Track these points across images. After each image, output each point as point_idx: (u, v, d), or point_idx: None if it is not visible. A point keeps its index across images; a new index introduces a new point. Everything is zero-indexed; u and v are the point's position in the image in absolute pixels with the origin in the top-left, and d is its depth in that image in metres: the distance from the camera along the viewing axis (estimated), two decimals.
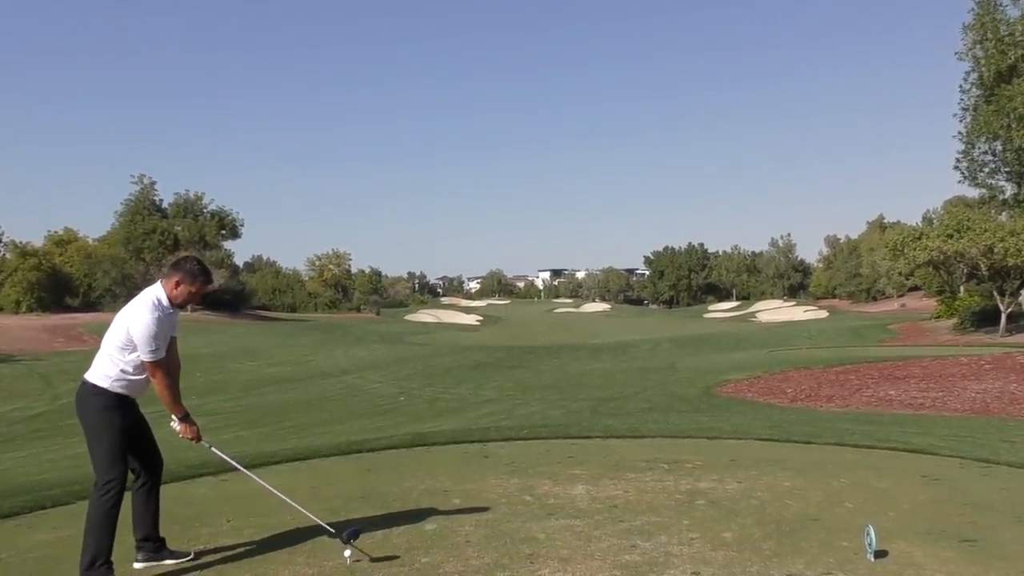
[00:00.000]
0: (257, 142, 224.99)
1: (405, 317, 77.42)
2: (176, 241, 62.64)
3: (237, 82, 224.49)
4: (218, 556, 4.03)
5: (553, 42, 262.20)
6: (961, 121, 34.32)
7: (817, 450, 7.34)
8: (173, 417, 3.91)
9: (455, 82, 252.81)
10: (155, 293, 3.85)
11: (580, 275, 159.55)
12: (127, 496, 3.84)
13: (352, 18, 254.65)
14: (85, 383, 3.84)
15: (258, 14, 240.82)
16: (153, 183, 65.17)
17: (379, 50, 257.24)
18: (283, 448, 8.56)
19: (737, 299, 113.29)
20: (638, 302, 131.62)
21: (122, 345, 3.77)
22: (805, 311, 78.28)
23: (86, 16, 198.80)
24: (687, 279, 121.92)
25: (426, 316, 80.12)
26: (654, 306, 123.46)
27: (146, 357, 3.73)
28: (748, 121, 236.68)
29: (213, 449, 4.12)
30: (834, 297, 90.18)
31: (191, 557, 3.98)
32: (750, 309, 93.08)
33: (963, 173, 34.49)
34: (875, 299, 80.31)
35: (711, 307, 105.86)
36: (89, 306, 60.61)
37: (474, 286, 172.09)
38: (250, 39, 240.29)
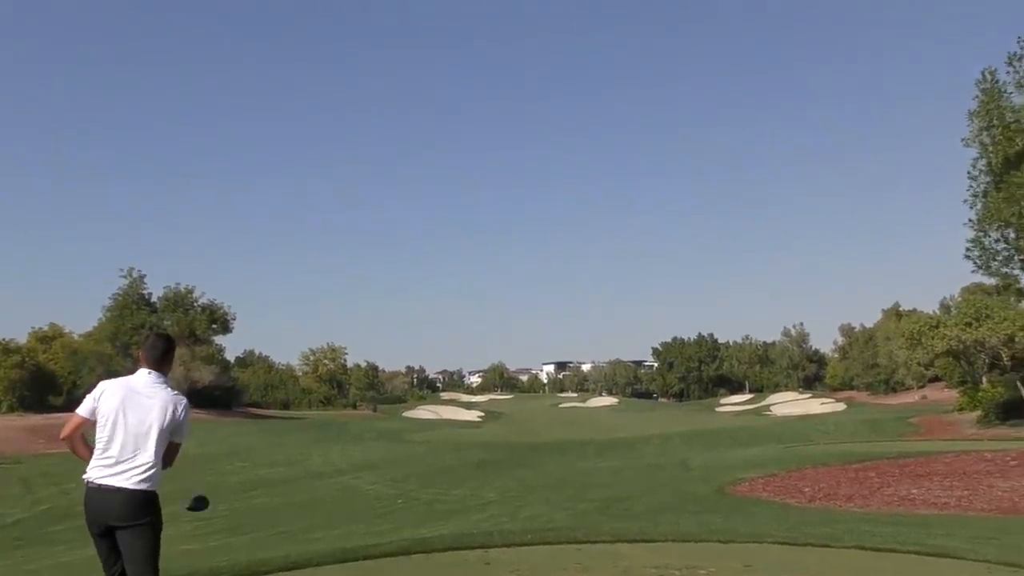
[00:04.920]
0: (248, 233, 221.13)
1: (403, 414, 75.80)
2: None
3: (229, 169, 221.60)
4: None
5: (549, 116, 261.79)
6: (972, 207, 33.99)
7: (836, 554, 7.19)
8: None
9: (449, 161, 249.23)
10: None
11: (586, 368, 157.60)
12: None
13: (339, 90, 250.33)
14: None
15: (245, 91, 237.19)
16: (142, 276, 64.09)
17: (371, 120, 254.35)
18: (276, 555, 8.18)
19: (750, 391, 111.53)
20: (647, 395, 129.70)
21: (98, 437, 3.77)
22: (822, 403, 76.80)
23: (72, 98, 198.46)
24: (697, 371, 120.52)
25: (425, 412, 78.60)
26: (663, 399, 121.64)
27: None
28: (756, 208, 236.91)
29: None
30: (851, 389, 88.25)
31: None
32: (764, 402, 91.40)
33: (975, 263, 34.13)
34: (894, 390, 78.45)
35: (723, 400, 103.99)
36: (73, 405, 58.66)
37: (475, 380, 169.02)
38: (242, 122, 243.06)
